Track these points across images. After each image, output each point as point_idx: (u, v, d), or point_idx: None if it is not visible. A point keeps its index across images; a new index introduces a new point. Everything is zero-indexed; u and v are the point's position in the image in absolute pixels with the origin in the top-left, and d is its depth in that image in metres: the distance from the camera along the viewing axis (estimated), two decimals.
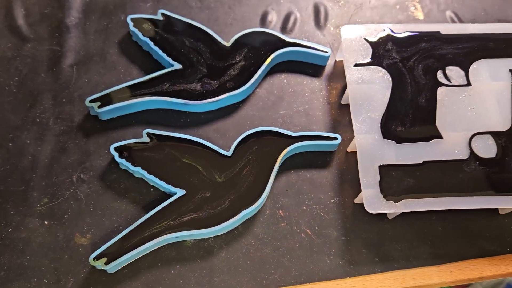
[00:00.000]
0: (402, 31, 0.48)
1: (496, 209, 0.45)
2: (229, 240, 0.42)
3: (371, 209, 0.41)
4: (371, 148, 0.43)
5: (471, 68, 0.47)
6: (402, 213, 0.43)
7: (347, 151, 0.46)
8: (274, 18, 0.52)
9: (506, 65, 0.47)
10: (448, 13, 0.54)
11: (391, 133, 0.43)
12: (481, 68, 0.47)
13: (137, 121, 0.46)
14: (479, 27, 0.49)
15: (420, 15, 0.53)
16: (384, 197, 0.41)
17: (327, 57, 0.49)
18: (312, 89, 0.49)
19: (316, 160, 0.46)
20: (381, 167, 0.42)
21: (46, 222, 0.42)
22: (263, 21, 0.52)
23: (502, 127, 0.44)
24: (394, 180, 0.42)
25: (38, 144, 0.45)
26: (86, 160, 0.44)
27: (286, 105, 0.48)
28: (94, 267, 0.40)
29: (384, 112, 0.44)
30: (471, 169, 0.43)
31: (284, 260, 0.42)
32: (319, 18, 0.52)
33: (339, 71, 0.49)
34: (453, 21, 0.53)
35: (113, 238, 0.40)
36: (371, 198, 0.41)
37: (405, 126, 0.44)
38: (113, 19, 0.50)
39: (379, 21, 0.53)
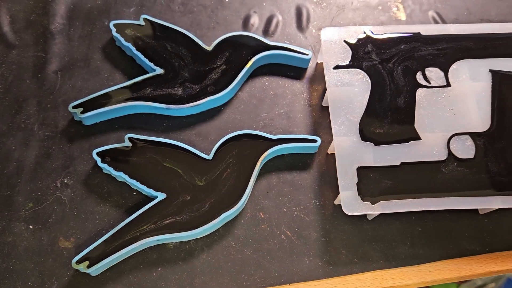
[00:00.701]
0: (382, 32, 0.48)
1: (476, 209, 0.45)
2: (210, 242, 0.43)
3: (348, 210, 0.41)
4: (350, 150, 0.43)
5: (451, 69, 0.47)
6: (382, 214, 0.43)
7: (327, 153, 0.47)
8: (256, 21, 0.52)
9: (486, 65, 0.47)
10: (431, 13, 0.54)
11: (369, 135, 0.44)
12: (461, 69, 0.47)
13: (120, 126, 0.47)
14: (460, 27, 0.49)
15: (402, 16, 0.53)
16: (361, 198, 0.41)
17: (308, 60, 0.49)
18: (293, 91, 0.49)
19: (297, 162, 0.46)
20: (359, 169, 0.42)
21: (31, 226, 0.43)
22: (246, 24, 0.52)
23: (481, 128, 0.45)
24: (371, 181, 0.42)
25: (23, 149, 0.46)
26: (70, 165, 0.45)
27: (268, 108, 0.48)
28: (77, 270, 0.41)
29: (363, 114, 0.44)
30: (449, 170, 0.43)
31: (264, 261, 0.43)
32: (301, 20, 0.53)
33: (320, 73, 0.50)
34: (436, 21, 0.53)
35: (96, 241, 0.41)
36: (349, 200, 0.42)
37: (383, 128, 0.44)
38: (97, 25, 0.51)
39: (361, 22, 0.53)
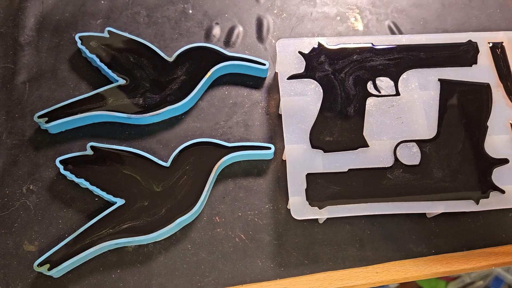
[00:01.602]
0: (336, 43, 0.50)
1: (424, 213, 0.47)
2: (168, 245, 0.45)
3: (297, 215, 0.43)
4: (300, 158, 0.45)
5: (401, 78, 0.49)
6: (333, 218, 0.45)
7: (282, 159, 0.49)
8: (218, 32, 0.54)
9: (435, 75, 0.49)
10: (387, 23, 0.56)
11: (319, 143, 0.46)
12: (411, 78, 0.49)
13: (85, 134, 0.49)
14: (412, 38, 0.51)
15: (359, 26, 0.55)
16: (309, 204, 0.44)
17: (266, 70, 0.51)
18: (252, 100, 0.51)
19: (253, 168, 0.48)
20: (308, 175, 0.45)
21: None
22: (208, 35, 0.54)
23: (428, 135, 0.47)
24: (319, 187, 0.44)
25: None
26: (36, 172, 0.47)
27: (226, 116, 0.50)
28: (40, 272, 0.43)
29: (314, 123, 0.46)
30: (394, 176, 0.45)
31: (218, 263, 0.45)
32: (261, 31, 0.55)
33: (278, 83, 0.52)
34: (392, 32, 0.55)
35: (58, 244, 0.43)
36: (298, 205, 0.44)
37: (333, 136, 0.46)
38: (65, 36, 0.53)
39: (319, 33, 0.55)
